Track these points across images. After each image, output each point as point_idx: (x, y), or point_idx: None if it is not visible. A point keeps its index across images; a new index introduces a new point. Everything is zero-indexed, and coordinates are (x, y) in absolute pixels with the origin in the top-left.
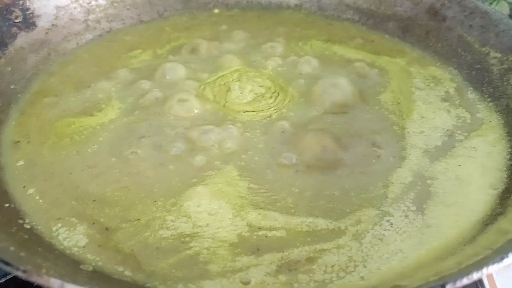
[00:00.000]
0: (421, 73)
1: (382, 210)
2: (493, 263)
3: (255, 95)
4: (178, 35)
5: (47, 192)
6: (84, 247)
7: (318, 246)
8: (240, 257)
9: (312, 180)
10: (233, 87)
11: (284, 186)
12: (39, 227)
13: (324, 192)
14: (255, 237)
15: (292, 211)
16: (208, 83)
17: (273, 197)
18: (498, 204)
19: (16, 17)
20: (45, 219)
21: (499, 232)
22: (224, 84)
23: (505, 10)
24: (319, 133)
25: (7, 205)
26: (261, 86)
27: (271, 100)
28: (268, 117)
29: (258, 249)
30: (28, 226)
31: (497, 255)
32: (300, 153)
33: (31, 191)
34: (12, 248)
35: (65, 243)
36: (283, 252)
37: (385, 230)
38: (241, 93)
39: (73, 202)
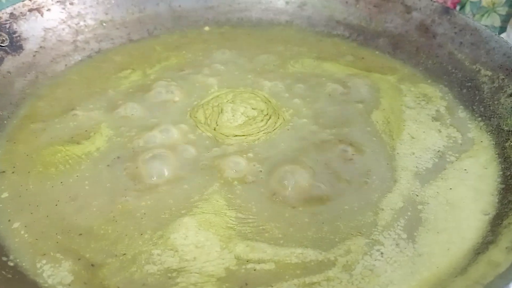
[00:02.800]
0: (411, 91)
1: (372, 239)
2: None
3: (246, 118)
4: (168, 54)
5: (33, 226)
6: (69, 285)
7: (308, 279)
8: None
9: (299, 209)
10: (226, 109)
11: (272, 216)
12: (23, 264)
13: (312, 221)
14: (243, 270)
15: (281, 241)
16: (202, 104)
17: (261, 227)
18: (489, 231)
19: (3, 41)
20: (30, 255)
21: (490, 264)
22: (217, 105)
23: (497, 22)
24: (306, 160)
25: None
26: (253, 109)
27: (262, 124)
28: (256, 140)
29: (246, 284)
30: (12, 264)
31: None
32: (287, 180)
33: (16, 225)
34: None
35: (50, 281)
36: (272, 286)
37: (375, 260)
38: (233, 115)
39: (58, 236)
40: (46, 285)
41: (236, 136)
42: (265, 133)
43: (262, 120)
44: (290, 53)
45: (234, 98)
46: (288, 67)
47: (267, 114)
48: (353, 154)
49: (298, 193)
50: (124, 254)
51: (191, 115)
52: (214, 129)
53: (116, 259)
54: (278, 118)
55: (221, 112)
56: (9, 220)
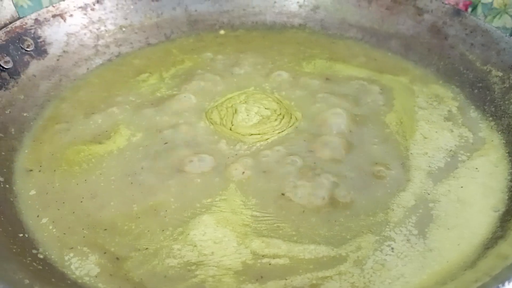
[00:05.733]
0: (423, 92)
1: (383, 235)
2: None
3: (260, 117)
4: (183, 57)
5: (60, 221)
6: (96, 276)
7: (320, 273)
8: (244, 285)
9: (312, 208)
10: (240, 110)
11: (286, 215)
12: (52, 257)
13: (325, 219)
14: (259, 264)
15: (295, 238)
16: (216, 106)
17: (275, 224)
18: (498, 227)
19: (28, 46)
20: (58, 248)
21: (499, 257)
22: (231, 106)
23: (508, 23)
24: (320, 160)
25: (21, 235)
26: (266, 109)
27: (276, 123)
28: (271, 139)
29: (262, 277)
30: (41, 256)
31: (495, 282)
32: (300, 177)
33: (44, 220)
34: (26, 281)
35: (77, 273)
36: (286, 279)
37: (386, 255)
38: (247, 115)
39: (85, 231)
40: (73, 276)
41: (252, 135)
42: (279, 132)
43: (276, 120)
44: (303, 55)
45: (246, 99)
46: (301, 69)
47: (280, 113)
48: (366, 153)
49: (311, 193)
50: (147, 248)
51: (207, 116)
52: (230, 129)
53: (139, 253)
54: (291, 118)
55: (235, 112)
56: (37, 216)
